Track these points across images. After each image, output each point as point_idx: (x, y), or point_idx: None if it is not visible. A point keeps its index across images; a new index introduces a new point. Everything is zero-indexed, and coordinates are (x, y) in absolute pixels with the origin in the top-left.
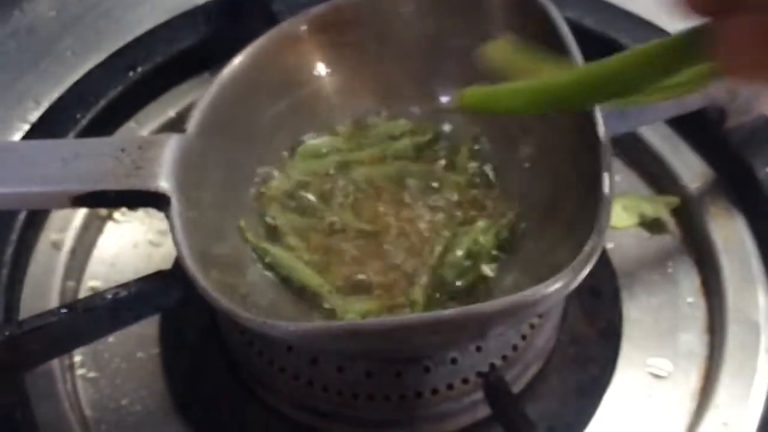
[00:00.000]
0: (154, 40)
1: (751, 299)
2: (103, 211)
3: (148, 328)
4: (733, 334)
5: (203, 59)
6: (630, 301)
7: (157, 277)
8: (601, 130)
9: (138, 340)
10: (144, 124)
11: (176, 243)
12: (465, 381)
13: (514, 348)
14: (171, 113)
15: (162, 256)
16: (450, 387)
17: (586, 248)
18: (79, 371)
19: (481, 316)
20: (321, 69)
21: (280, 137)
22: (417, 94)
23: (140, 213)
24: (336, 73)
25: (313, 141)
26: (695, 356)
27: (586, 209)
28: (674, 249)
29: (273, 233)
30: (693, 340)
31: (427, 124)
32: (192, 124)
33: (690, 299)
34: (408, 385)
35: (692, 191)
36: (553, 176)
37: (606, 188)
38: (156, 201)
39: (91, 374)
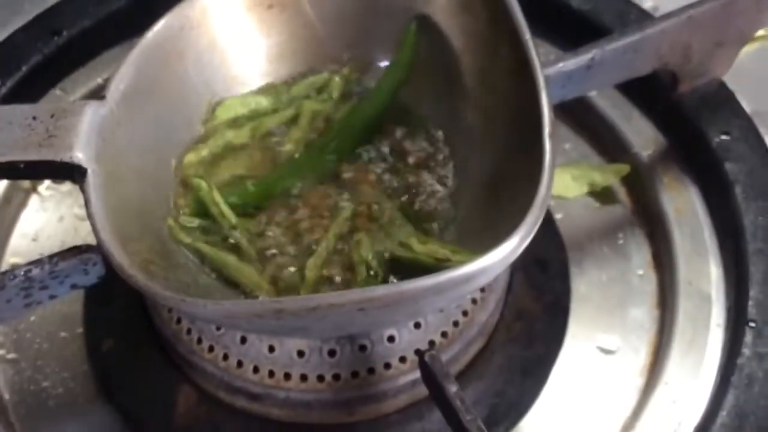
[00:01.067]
0: (82, 3)
1: (702, 271)
2: (26, 184)
3: (71, 306)
4: (684, 307)
5: (135, 22)
6: (579, 275)
7: (75, 252)
8: (544, 96)
9: (61, 319)
10: (70, 92)
11: (90, 216)
12: (403, 360)
13: (455, 324)
14: (99, 80)
15: (88, 230)
16: (387, 366)
17: (528, 219)
18: None
19: (412, 293)
20: (250, 32)
21: (207, 105)
22: (350, 58)
23: (67, 185)
24: (265, 36)
25: (233, 100)
26: (644, 331)
27: (530, 178)
28: (625, 220)
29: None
30: (643, 314)
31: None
32: (112, 90)
33: (640, 272)
34: (342, 364)
35: (644, 159)
36: (495, 144)
37: (547, 153)
38: (70, 173)
39: (11, 355)
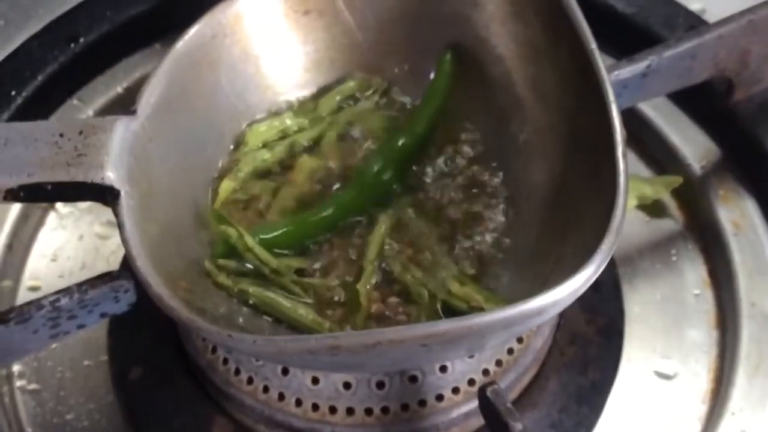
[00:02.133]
0: (99, 7)
1: (765, 290)
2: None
3: (95, 332)
4: (747, 329)
5: (155, 28)
6: (631, 293)
7: (105, 279)
8: (615, 110)
9: (84, 347)
10: (88, 103)
11: (125, 242)
12: (455, 390)
13: (510, 352)
14: (119, 89)
15: (111, 250)
16: (439, 398)
17: (603, 246)
18: (18, 383)
19: (479, 328)
20: (286, 39)
21: (241, 118)
22: (390, 65)
23: (86, 202)
24: (302, 43)
25: (260, 127)
26: (704, 354)
27: (597, 201)
28: (678, 235)
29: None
30: (701, 336)
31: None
32: (142, 104)
33: (696, 291)
34: (392, 396)
35: (697, 171)
36: (552, 163)
37: (621, 177)
38: (102, 194)
39: (32, 386)
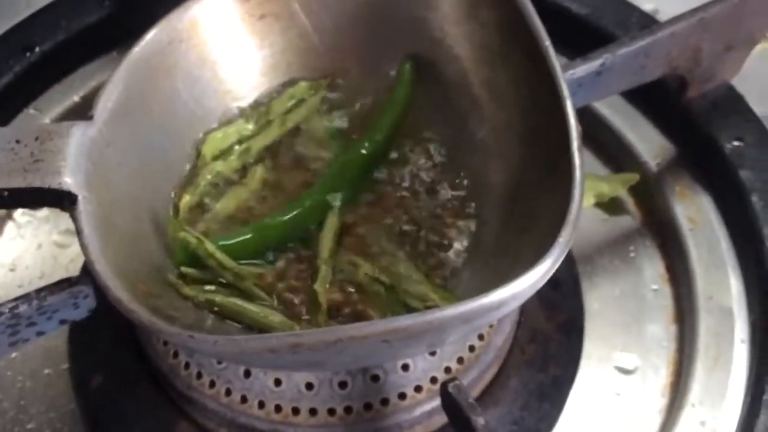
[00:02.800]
0: (55, 16)
1: (722, 284)
2: (1, 211)
3: (55, 340)
4: (705, 323)
5: (111, 36)
6: (590, 290)
7: (64, 285)
8: (569, 105)
9: (44, 355)
10: (45, 111)
11: (84, 247)
12: (418, 389)
13: (471, 349)
14: (75, 98)
15: (70, 258)
16: (402, 396)
17: (560, 239)
18: None
19: (440, 323)
20: (242, 44)
21: (199, 124)
22: (347, 68)
23: (44, 211)
24: (258, 48)
25: (216, 136)
26: (663, 349)
27: (550, 195)
28: (635, 232)
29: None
30: (660, 330)
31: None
32: (99, 110)
33: (654, 286)
34: (354, 396)
35: (653, 168)
36: (509, 161)
37: (577, 171)
38: (59, 200)
39: None
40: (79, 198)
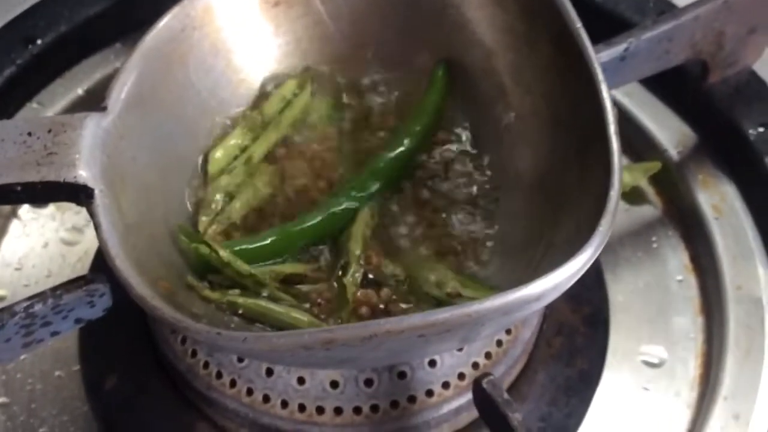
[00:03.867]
0: (57, 7)
1: (750, 274)
2: (6, 208)
3: (65, 341)
4: (734, 314)
5: (114, 27)
6: (614, 282)
7: (80, 282)
8: (604, 88)
9: (54, 356)
10: (48, 106)
11: (103, 243)
12: (446, 385)
13: (499, 344)
14: (79, 91)
15: (77, 257)
16: (429, 393)
17: (601, 227)
18: None
19: (479, 315)
20: (256, 32)
21: (213, 114)
22: (363, 54)
23: (50, 208)
24: (272, 35)
25: (216, 154)
26: (690, 340)
27: (583, 183)
28: (658, 222)
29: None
30: (686, 322)
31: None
32: (112, 100)
33: (679, 277)
34: (381, 394)
35: (674, 157)
36: (536, 148)
37: (615, 156)
38: (75, 194)
39: (1, 399)
40: (96, 192)
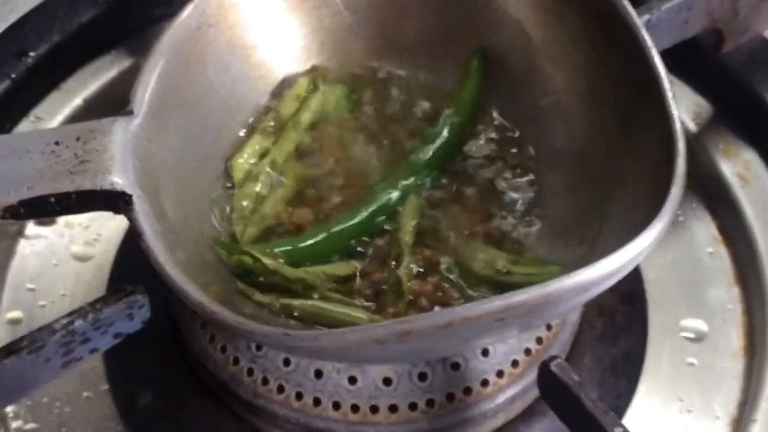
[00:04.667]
0: (47, 17)
1: None
2: (12, 228)
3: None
4: None
5: (108, 34)
6: (645, 260)
7: (120, 294)
8: (655, 54)
9: (79, 378)
10: (47, 119)
11: (149, 250)
12: (500, 374)
13: (548, 328)
14: (78, 101)
15: (92, 273)
16: (484, 383)
17: (672, 194)
18: (14, 424)
19: (558, 294)
20: (272, 25)
21: (234, 113)
22: (382, 45)
23: (58, 225)
24: (289, 28)
25: (238, 161)
26: (729, 312)
27: (633, 155)
28: None
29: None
30: (723, 294)
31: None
32: (137, 103)
33: (710, 249)
34: (436, 387)
35: (692, 128)
36: (573, 125)
37: (676, 122)
38: (112, 202)
39: (29, 425)
40: (134, 197)
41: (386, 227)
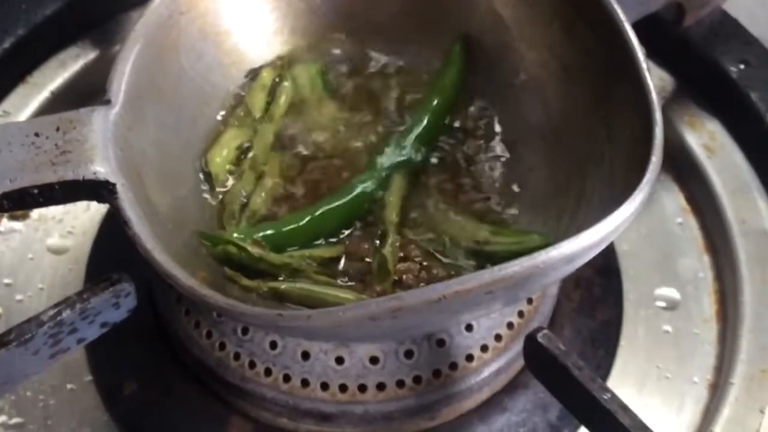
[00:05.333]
0: (12, 9)
1: (751, 207)
2: None
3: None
4: (743, 248)
5: (73, 25)
6: None
7: (107, 283)
8: (628, 27)
9: (62, 371)
10: (15, 113)
11: (136, 238)
12: (484, 348)
13: (529, 301)
14: (45, 94)
15: (68, 266)
16: (469, 358)
17: (651, 165)
18: None
19: (546, 265)
20: (242, 11)
21: (209, 100)
22: (351, 25)
23: (32, 218)
24: (259, 13)
25: (215, 157)
26: (701, 280)
27: (607, 128)
28: None
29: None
30: (694, 262)
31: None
32: (114, 91)
33: (679, 219)
34: (422, 364)
35: None
36: (548, 99)
37: (652, 93)
38: (97, 191)
39: (15, 420)
40: (118, 186)
41: (371, 209)
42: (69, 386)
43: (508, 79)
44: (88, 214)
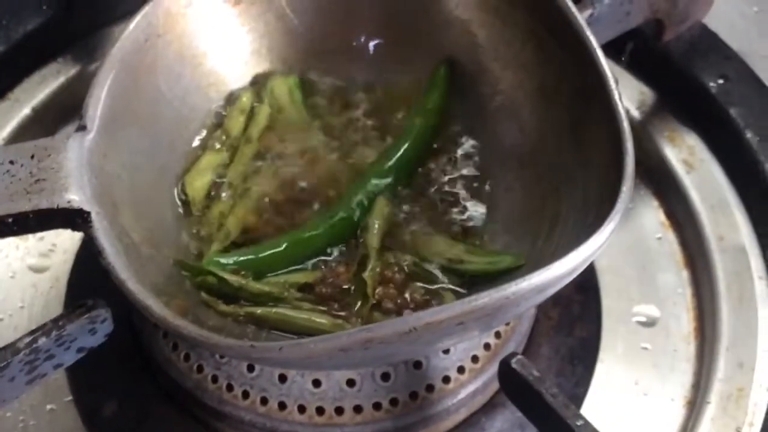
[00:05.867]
0: None
1: (729, 223)
2: None
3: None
4: (721, 264)
5: (53, 42)
6: None
7: (82, 310)
8: (599, 52)
9: (42, 391)
10: None
11: (110, 267)
12: (461, 370)
13: (506, 323)
14: (26, 111)
15: (49, 284)
16: (446, 380)
17: (622, 194)
18: None
19: (517, 297)
20: (219, 33)
21: (187, 123)
22: (328, 47)
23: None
24: (237, 35)
25: (194, 182)
26: (680, 295)
27: (583, 151)
28: None
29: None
30: (673, 278)
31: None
32: (89, 117)
33: (658, 235)
34: (399, 386)
35: (637, 116)
36: (523, 122)
37: (622, 116)
38: (71, 220)
39: None
40: (92, 214)
41: (352, 234)
42: (49, 406)
43: (484, 100)
44: (69, 232)
